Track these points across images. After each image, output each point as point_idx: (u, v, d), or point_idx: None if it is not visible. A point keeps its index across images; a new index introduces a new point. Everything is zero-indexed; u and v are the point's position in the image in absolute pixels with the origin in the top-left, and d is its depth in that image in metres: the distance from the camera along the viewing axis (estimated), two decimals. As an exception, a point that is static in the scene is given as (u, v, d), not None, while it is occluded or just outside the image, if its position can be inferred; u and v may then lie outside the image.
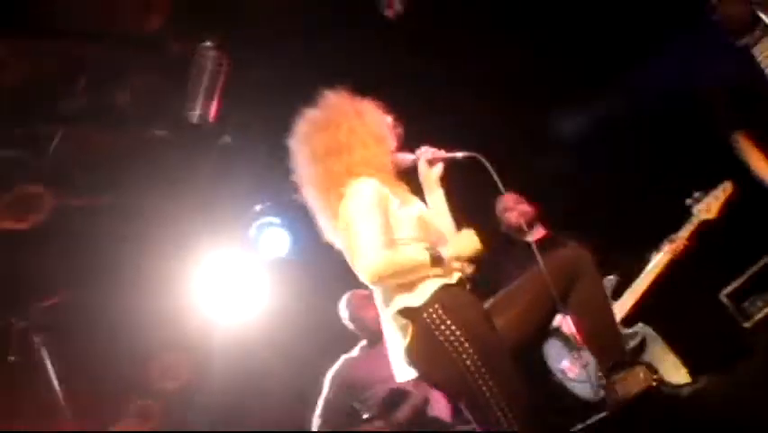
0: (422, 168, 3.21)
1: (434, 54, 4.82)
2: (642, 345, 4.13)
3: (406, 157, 3.20)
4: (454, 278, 2.90)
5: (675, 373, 4.07)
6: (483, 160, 3.08)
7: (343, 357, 4.72)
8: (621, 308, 4.13)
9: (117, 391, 5.28)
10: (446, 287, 2.84)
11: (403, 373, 2.95)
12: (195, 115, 4.43)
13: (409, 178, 3.21)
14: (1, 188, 3.98)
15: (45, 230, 4.78)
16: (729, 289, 4.13)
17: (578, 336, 4.08)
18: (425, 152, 3.21)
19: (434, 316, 2.77)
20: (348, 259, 3.00)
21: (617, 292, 4.21)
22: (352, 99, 3.13)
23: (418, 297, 2.82)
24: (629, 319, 4.14)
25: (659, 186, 4.69)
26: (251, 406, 5.39)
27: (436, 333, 2.76)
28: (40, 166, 4.40)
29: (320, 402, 4.61)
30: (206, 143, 5.22)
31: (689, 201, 4.20)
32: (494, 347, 2.81)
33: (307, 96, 3.14)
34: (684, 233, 4.17)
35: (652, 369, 2.97)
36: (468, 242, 2.99)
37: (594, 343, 3.03)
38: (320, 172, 3.04)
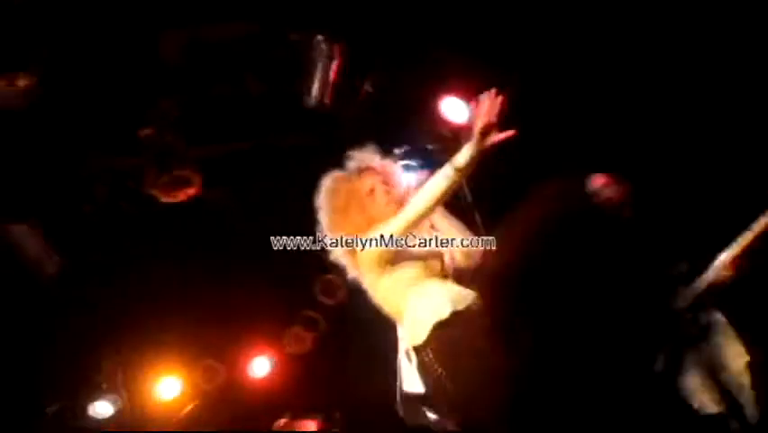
0: (476, 134, 3.07)
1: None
2: (706, 330, 4.30)
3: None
4: (447, 312, 3.31)
5: (736, 361, 4.25)
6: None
7: None
8: (692, 291, 4.31)
9: (289, 303, 6.35)
10: (439, 325, 3.29)
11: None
12: (311, 101, 4.96)
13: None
14: (160, 170, 4.90)
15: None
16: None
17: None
18: (483, 115, 3.01)
19: (426, 359, 3.33)
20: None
21: (689, 277, 4.36)
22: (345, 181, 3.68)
23: (417, 337, 3.35)
24: (697, 304, 4.30)
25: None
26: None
27: (435, 366, 3.30)
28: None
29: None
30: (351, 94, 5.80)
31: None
32: (473, 376, 3.22)
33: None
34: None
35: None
36: None
37: None
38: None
